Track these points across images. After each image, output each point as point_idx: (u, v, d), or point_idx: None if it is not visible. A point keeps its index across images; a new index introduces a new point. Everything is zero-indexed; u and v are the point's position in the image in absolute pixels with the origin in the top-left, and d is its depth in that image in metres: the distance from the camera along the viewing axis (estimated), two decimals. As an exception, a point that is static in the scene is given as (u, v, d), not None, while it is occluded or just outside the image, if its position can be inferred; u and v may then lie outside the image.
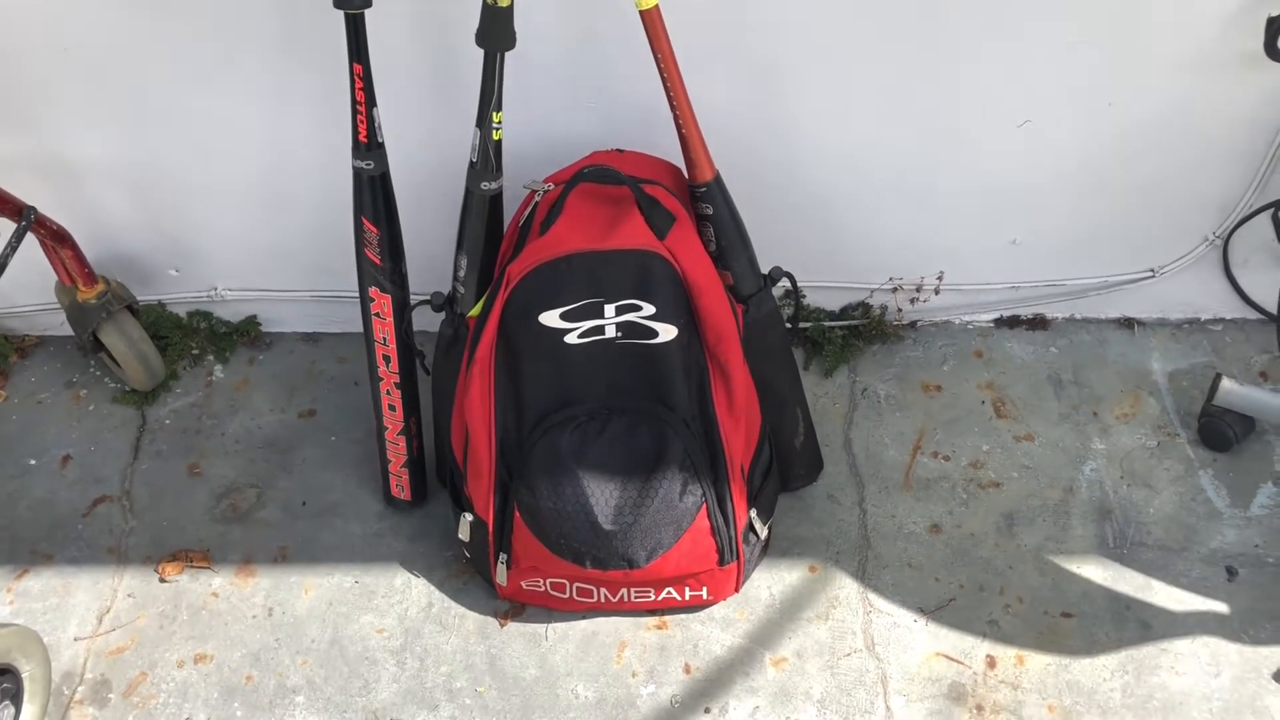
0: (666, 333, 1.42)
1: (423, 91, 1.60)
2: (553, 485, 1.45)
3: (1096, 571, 1.63)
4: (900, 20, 1.53)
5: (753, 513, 1.53)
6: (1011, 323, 1.93)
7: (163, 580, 1.66)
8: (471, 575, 1.65)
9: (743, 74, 1.58)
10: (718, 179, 1.46)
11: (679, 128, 1.42)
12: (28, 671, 1.47)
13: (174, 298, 1.91)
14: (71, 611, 1.63)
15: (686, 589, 1.54)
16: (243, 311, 1.93)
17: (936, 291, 1.83)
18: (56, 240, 1.60)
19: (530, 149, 1.60)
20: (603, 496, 1.44)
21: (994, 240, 1.80)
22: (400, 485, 1.69)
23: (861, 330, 1.90)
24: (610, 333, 1.43)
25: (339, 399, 1.89)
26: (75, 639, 1.61)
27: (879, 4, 1.52)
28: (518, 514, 1.48)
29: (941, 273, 1.82)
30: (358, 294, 1.85)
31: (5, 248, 1.47)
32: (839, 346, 1.88)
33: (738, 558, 1.52)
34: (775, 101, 1.62)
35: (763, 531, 1.55)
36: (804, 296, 1.86)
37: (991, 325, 1.93)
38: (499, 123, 1.37)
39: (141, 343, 1.79)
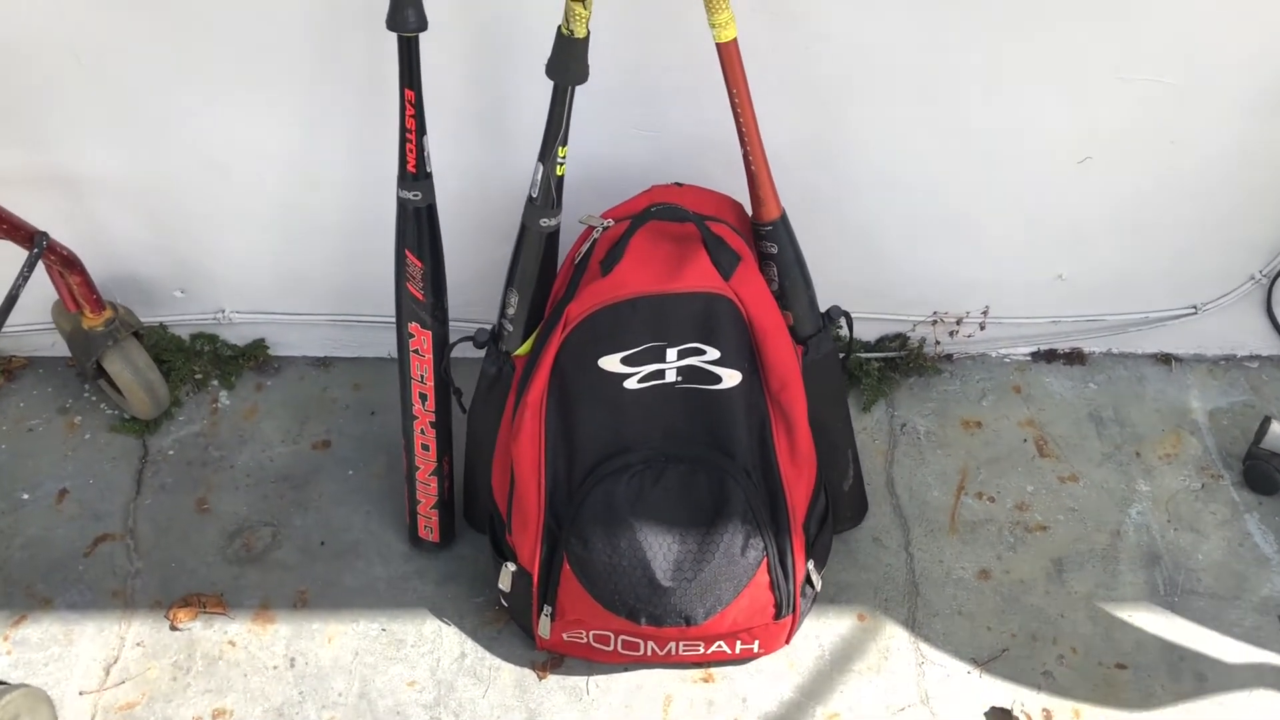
0: (730, 378, 1.35)
1: (464, 116, 1.50)
2: (607, 537, 1.37)
3: (1149, 620, 1.59)
4: (960, 53, 1.48)
5: (810, 564, 1.47)
6: (1049, 356, 1.88)
7: (174, 628, 1.56)
8: (506, 622, 1.57)
9: (794, 103, 1.52)
10: (784, 217, 1.39)
11: (748, 165, 1.35)
12: (35, 734, 1.37)
13: (177, 319, 1.79)
14: (75, 662, 1.52)
15: (738, 642, 1.48)
16: (250, 335, 1.83)
17: (982, 327, 1.78)
18: (66, 266, 1.49)
19: (575, 177, 1.51)
20: (661, 550, 1.37)
21: (1039, 275, 1.76)
22: (429, 527, 1.60)
23: (898, 363, 1.84)
24: (670, 377, 1.36)
25: (355, 429, 1.79)
26: (80, 693, 1.50)
27: (939, 36, 1.46)
28: (567, 566, 1.40)
29: (987, 307, 1.77)
30: (375, 317, 1.77)
31: (17, 278, 1.35)
32: (876, 380, 1.82)
33: (794, 611, 1.46)
34: (827, 131, 1.56)
35: (818, 583, 1.49)
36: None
37: (1029, 359, 1.89)
38: (564, 158, 1.29)
39: (148, 371, 1.68)
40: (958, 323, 1.80)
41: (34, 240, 1.38)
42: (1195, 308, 1.81)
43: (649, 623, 1.40)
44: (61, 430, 1.77)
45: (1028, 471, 1.75)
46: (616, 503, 1.37)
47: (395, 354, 1.82)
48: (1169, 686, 1.52)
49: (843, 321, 1.49)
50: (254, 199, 1.61)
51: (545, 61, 1.25)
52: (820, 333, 1.46)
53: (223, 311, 1.78)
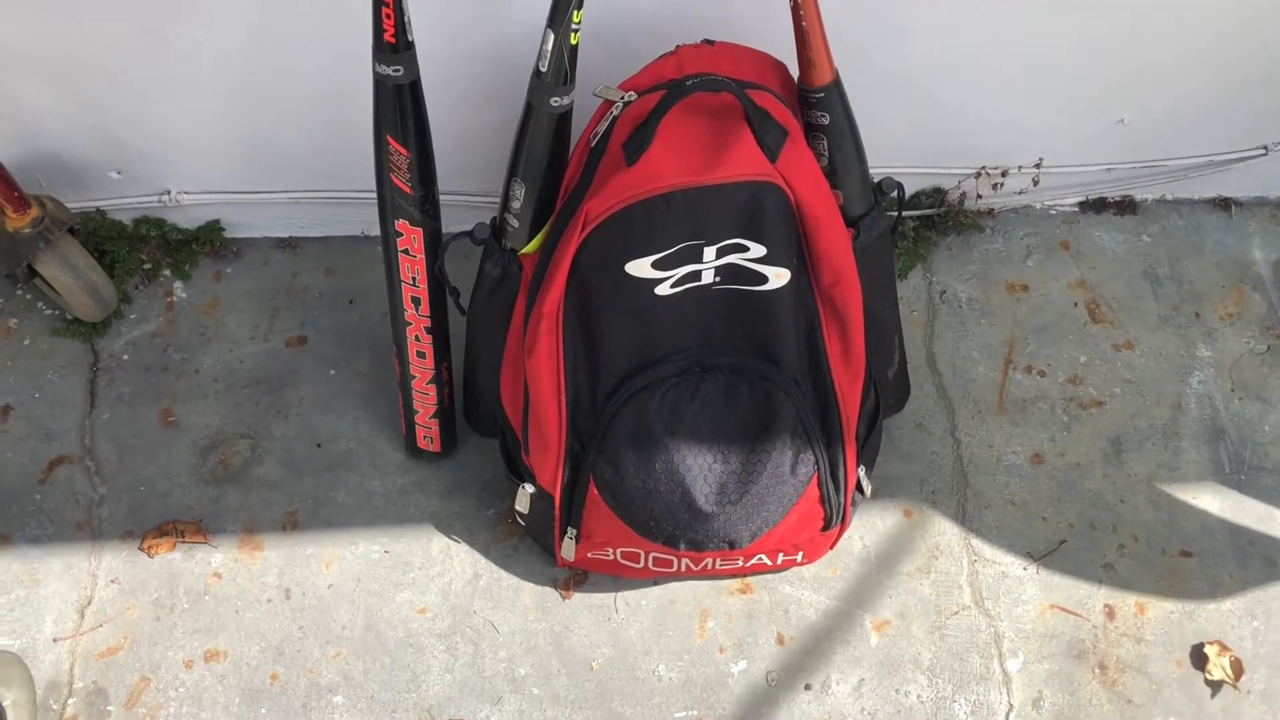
0: (778, 278, 1.17)
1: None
2: (640, 461, 1.21)
3: (1214, 502, 1.48)
4: None
5: (861, 470, 1.32)
6: (1098, 206, 1.70)
7: (151, 559, 1.40)
8: (521, 537, 1.43)
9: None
10: (837, 81, 1.18)
11: (797, 21, 1.12)
12: (9, 699, 1.23)
13: (116, 203, 1.55)
14: (45, 605, 1.37)
15: (780, 554, 1.34)
16: (201, 217, 1.59)
17: (1035, 182, 1.58)
18: (-27, 164, 1.25)
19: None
20: (701, 473, 1.22)
21: (1098, 121, 1.55)
22: (429, 437, 1.43)
23: (935, 220, 1.65)
24: (707, 278, 1.17)
25: (332, 321, 1.59)
26: (54, 640, 1.35)
27: None
28: (595, 489, 1.25)
29: (1040, 159, 1.57)
30: (346, 192, 1.56)
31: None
32: (911, 241, 1.63)
33: (843, 522, 1.33)
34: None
35: (869, 488, 1.35)
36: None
37: (1076, 210, 1.70)
38: (579, 23, 1.06)
39: (89, 272, 1.46)
40: (1003, 175, 1.60)
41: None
42: (1266, 148, 1.61)
43: (689, 548, 1.26)
44: (-4, 336, 1.56)
45: (1080, 340, 1.60)
46: (649, 421, 1.21)
47: (370, 232, 1.63)
48: (1237, 574, 1.43)
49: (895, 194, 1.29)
50: (197, 69, 1.35)
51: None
52: (873, 211, 1.27)
53: (168, 193, 1.54)
